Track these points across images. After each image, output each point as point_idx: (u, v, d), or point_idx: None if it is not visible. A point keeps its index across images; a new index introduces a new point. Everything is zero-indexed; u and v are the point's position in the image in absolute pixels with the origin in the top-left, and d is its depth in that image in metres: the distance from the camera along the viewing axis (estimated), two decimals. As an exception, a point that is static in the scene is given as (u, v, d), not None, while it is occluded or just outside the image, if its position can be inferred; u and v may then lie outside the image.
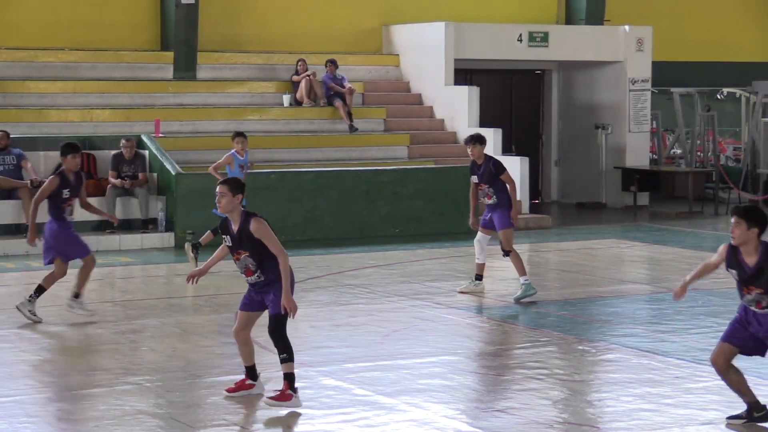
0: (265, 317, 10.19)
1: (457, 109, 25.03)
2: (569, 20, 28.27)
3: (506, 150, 25.07)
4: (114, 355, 12.15)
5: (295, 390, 10.02)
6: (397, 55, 26.48)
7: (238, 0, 25.51)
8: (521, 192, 23.68)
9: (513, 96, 28.16)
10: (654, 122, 27.75)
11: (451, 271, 17.62)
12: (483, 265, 15.59)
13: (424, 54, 25.73)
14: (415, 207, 21.74)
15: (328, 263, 18.25)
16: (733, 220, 9.36)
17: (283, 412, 9.92)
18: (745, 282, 9.39)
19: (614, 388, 10.88)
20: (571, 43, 26.82)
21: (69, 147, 13.66)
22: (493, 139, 24.19)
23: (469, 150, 15.44)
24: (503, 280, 17.37)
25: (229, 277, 16.14)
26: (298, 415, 9.88)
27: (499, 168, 15.19)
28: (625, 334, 13.22)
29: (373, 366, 11.55)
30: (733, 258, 9.42)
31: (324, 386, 10.75)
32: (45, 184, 13.67)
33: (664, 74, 27.84)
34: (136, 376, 11.17)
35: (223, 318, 13.81)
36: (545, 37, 26.35)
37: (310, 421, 9.73)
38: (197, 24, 24.41)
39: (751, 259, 9.34)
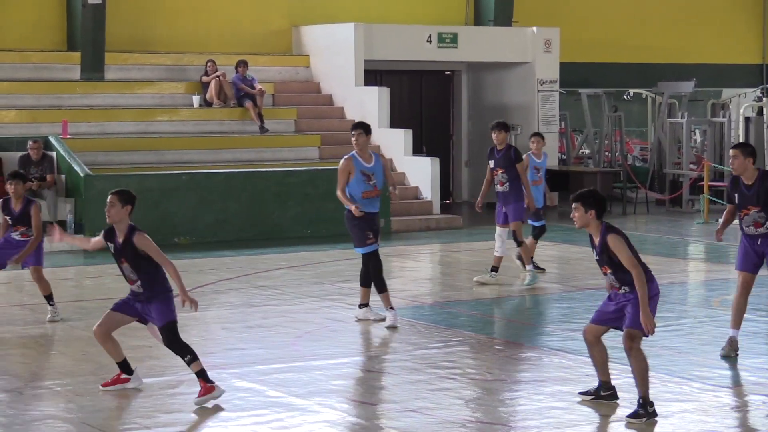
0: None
1: (368, 110, 25.05)
2: (478, 21, 28.44)
3: (417, 150, 25.18)
4: (23, 359, 12.00)
5: (211, 381, 10.13)
6: (308, 55, 26.48)
7: (146, 0, 25.35)
8: (431, 193, 23.87)
9: (423, 97, 28.28)
10: (562, 123, 28.01)
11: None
12: (501, 258, 15.99)
13: (334, 55, 25.75)
14: (327, 208, 21.67)
15: (240, 265, 18.19)
16: (573, 206, 9.67)
17: (209, 404, 9.91)
18: (597, 262, 9.86)
19: (526, 387, 10.97)
20: (480, 44, 26.98)
21: None
22: (404, 140, 24.35)
23: (493, 135, 15.85)
24: (415, 280, 17.45)
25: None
26: (211, 416, 9.84)
27: (519, 156, 15.79)
28: (536, 333, 13.34)
29: (286, 367, 11.53)
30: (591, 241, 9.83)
31: (237, 388, 10.70)
32: None
33: (572, 75, 28.11)
34: (46, 380, 11.05)
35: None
36: (454, 39, 26.48)
37: (223, 423, 9.69)
38: (104, 24, 24.25)
39: (595, 240, 9.72)
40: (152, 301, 10.37)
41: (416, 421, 9.73)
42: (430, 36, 26.23)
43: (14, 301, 15.50)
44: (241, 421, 9.71)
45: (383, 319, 13.45)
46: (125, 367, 10.66)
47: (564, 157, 28.24)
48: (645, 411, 9.71)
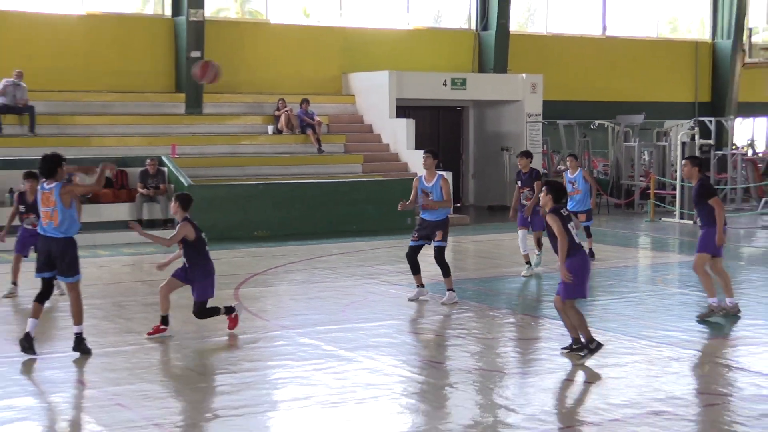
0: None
1: (399, 137, 25.10)
2: (482, 69, 28.42)
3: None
4: (144, 321, 12.08)
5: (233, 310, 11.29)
6: (354, 95, 26.52)
7: (234, 54, 25.49)
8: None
9: (440, 126, 28.27)
10: (545, 145, 27.94)
11: (394, 257, 17.63)
12: (527, 254, 15.56)
13: (373, 95, 25.79)
14: (368, 209, 21.80)
15: (303, 252, 18.26)
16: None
17: (271, 363, 9.97)
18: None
19: (517, 344, 11.01)
20: (483, 86, 26.96)
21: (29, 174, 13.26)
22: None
23: (518, 161, 15.75)
24: (433, 264, 17.47)
25: (230, 265, 16.09)
26: (282, 363, 9.91)
27: (538, 175, 15.50)
28: (525, 304, 13.34)
29: (337, 328, 11.59)
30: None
31: (300, 344, 10.77)
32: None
33: (552, 110, 28.06)
34: (154, 342, 11.15)
35: (225, 294, 13.83)
36: (464, 83, 26.46)
37: (291, 369, 9.75)
38: (203, 72, 24.34)
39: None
40: (194, 279, 10.90)
41: (435, 370, 9.77)
42: (445, 80, 26.23)
43: (137, 278, 15.62)
44: (304, 368, 9.78)
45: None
46: (165, 320, 11.00)
47: (546, 171, 28.15)
48: (591, 347, 9.94)
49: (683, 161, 12.67)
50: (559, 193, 10.03)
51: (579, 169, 17.03)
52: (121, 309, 12.85)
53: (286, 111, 24.49)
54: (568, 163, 17.16)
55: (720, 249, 12.13)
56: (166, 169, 20.92)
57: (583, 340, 10.04)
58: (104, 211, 19.84)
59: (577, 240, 9.99)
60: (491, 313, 12.64)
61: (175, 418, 8.23)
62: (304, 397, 8.79)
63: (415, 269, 13.48)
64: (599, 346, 9.99)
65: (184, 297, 13.72)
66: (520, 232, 15.71)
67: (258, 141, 24.21)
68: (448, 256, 19.35)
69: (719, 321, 11.94)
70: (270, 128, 24.52)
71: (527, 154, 15.69)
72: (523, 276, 15.36)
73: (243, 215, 20.37)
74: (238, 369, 9.75)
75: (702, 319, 11.96)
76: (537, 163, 26.97)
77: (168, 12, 24.84)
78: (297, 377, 9.48)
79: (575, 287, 9.93)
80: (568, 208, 16.35)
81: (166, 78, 24.80)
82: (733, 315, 12.10)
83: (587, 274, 9.98)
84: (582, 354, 9.98)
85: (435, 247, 13.33)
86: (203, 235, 10.97)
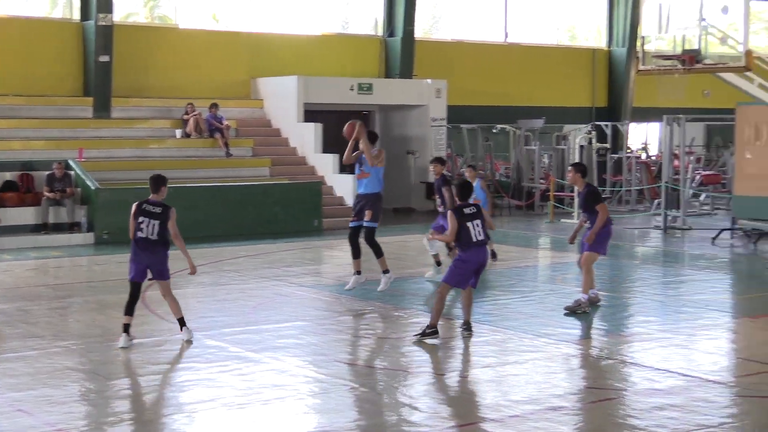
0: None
1: (306, 141, 24.98)
2: (388, 75, 28.45)
3: (342, 170, 25.10)
4: (48, 326, 11.82)
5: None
6: (262, 99, 26.32)
7: (143, 58, 25.12)
8: (352, 201, 23.77)
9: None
10: (449, 149, 28.10)
11: (301, 259, 17.57)
12: (437, 255, 15.14)
13: (281, 99, 25.62)
14: (276, 212, 21.65)
15: (211, 254, 18.03)
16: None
17: (178, 366, 9.79)
18: None
19: (421, 343, 10.96)
20: (389, 91, 26.99)
21: None
22: (332, 162, 24.29)
23: (431, 167, 15.34)
24: (340, 265, 17.41)
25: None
26: (188, 366, 9.74)
27: (446, 181, 14.88)
28: (428, 303, 13.34)
29: (243, 330, 11.46)
30: None
31: (207, 346, 10.61)
32: None
33: (456, 114, 28.21)
34: (65, 341, 10.90)
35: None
36: (370, 87, 26.45)
37: (197, 371, 9.60)
38: (111, 76, 23.96)
39: None
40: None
41: (341, 369, 9.71)
42: (352, 85, 26.19)
43: (41, 283, 15.24)
44: (211, 369, 9.63)
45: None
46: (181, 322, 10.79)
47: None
48: (427, 332, 10.71)
49: (569, 168, 12.90)
50: (463, 190, 10.54)
51: (477, 179, 17.01)
52: (25, 314, 12.51)
53: (195, 115, 24.19)
54: (466, 174, 16.93)
55: (604, 248, 12.44)
56: (73, 172, 20.48)
57: (429, 324, 10.74)
58: (10, 214, 19.33)
59: (475, 238, 10.45)
60: (396, 313, 12.62)
61: (79, 423, 8.02)
62: (210, 399, 8.65)
63: (356, 252, 13.33)
64: (434, 334, 10.65)
65: (90, 301, 13.43)
66: (428, 235, 15.33)
67: (166, 145, 23.86)
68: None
69: (595, 315, 12.12)
70: (178, 132, 24.19)
71: (440, 161, 15.17)
72: (427, 278, 15.20)
73: (151, 218, 20.02)
74: (143, 372, 9.55)
75: (570, 312, 12.27)
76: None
77: (76, 16, 24.34)
78: (203, 379, 9.32)
79: (458, 277, 10.56)
80: None
81: (74, 82, 24.28)
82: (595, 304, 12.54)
83: (471, 270, 10.59)
84: (418, 335, 10.70)
85: (364, 227, 13.24)
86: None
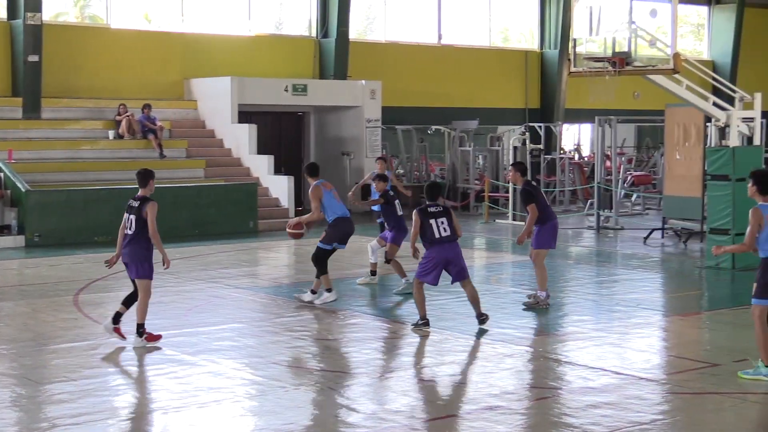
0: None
1: (241, 142, 24.85)
2: (322, 76, 28.42)
3: (277, 171, 25.03)
4: (-23, 330, 11.60)
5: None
6: (196, 101, 26.12)
7: (73, 58, 24.79)
8: (288, 202, 23.77)
9: (282, 131, 28.13)
10: (383, 150, 28.16)
11: (237, 261, 17.46)
12: (375, 264, 14.89)
13: (215, 100, 25.46)
14: (211, 213, 21.51)
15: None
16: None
17: (112, 369, 9.67)
18: None
19: (357, 344, 10.99)
20: (324, 92, 26.97)
21: None
22: (268, 163, 24.22)
23: (374, 184, 14.89)
24: (276, 267, 17.36)
25: (70, 271, 15.61)
26: (122, 370, 9.62)
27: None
28: (365, 305, 13.37)
29: (179, 333, 11.36)
30: None
31: (142, 349, 10.49)
32: None
33: (391, 115, 28.29)
34: (-5, 346, 10.71)
35: (64, 300, 13.38)
36: (305, 89, 26.41)
37: (131, 376, 9.49)
38: (41, 76, 23.60)
39: None
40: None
41: (277, 371, 9.67)
42: (287, 86, 26.11)
43: (-29, 286, 14.96)
44: (146, 374, 9.52)
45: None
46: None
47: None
48: (419, 323, 11.27)
49: (509, 167, 13.18)
50: (431, 190, 11.40)
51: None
52: (-46, 318, 12.27)
53: (127, 116, 23.92)
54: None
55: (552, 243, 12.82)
56: (2, 174, 20.12)
57: (420, 316, 11.36)
58: (-63, 217, 18.94)
59: (438, 235, 11.10)
60: (332, 315, 12.60)
61: (10, 430, 7.87)
62: (146, 402, 8.55)
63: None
64: (426, 324, 11.29)
65: (21, 305, 13.20)
66: (374, 243, 14.91)
67: (99, 146, 23.56)
68: (290, 257, 19.28)
69: (544, 316, 12.25)
70: (111, 133, 23.90)
71: (381, 177, 15.03)
72: (359, 283, 14.87)
73: (83, 221, 19.77)
74: (77, 376, 9.42)
75: (528, 308, 12.59)
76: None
77: (3, 15, 23.91)
78: (138, 383, 9.22)
79: (423, 271, 11.21)
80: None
81: (2, 82, 23.86)
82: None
83: (435, 264, 11.17)
84: (413, 325, 11.35)
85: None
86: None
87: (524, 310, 12.55)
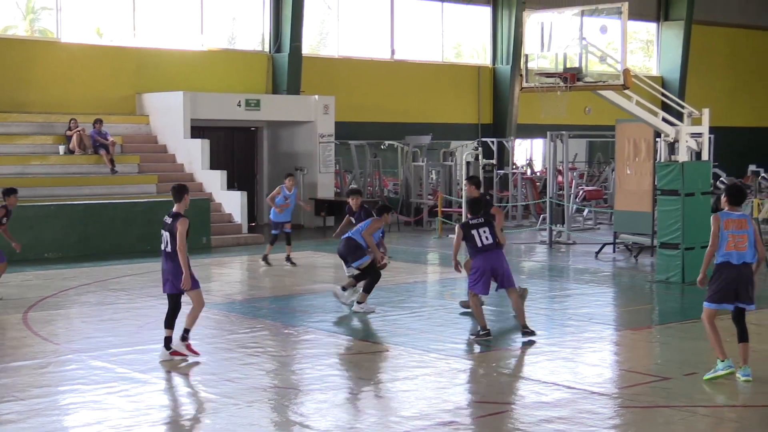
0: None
1: (194, 157, 24.72)
2: (275, 91, 28.39)
3: (230, 187, 24.93)
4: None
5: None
6: (148, 115, 25.95)
7: (23, 73, 24.55)
8: (241, 218, 23.66)
9: (235, 146, 28.04)
10: (337, 165, 28.17)
11: (190, 276, 17.29)
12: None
13: (167, 115, 25.31)
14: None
15: (97, 273, 17.67)
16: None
17: (62, 388, 9.55)
18: None
19: (311, 360, 10.95)
20: (277, 107, 26.92)
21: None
22: (220, 179, 24.11)
23: (350, 200, 14.80)
24: (229, 282, 17.27)
25: (19, 288, 15.41)
26: (73, 389, 9.51)
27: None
28: (318, 320, 13.32)
29: (131, 350, 11.26)
30: None
31: (93, 367, 10.39)
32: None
33: (344, 131, 28.31)
34: (-58, 365, 10.52)
35: (13, 318, 13.19)
36: (258, 103, 26.34)
37: (82, 394, 9.38)
38: (-11, 90, 23.33)
39: None
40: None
41: (230, 388, 9.61)
42: (239, 101, 26.03)
43: None
44: (97, 392, 9.43)
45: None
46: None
47: (339, 190, 28.40)
48: (481, 333, 11.69)
49: (465, 181, 13.49)
50: (473, 206, 11.82)
51: (294, 188, 18.72)
52: None
53: (78, 131, 23.70)
54: (286, 182, 18.65)
55: None
56: (-50, 190, 19.80)
57: (481, 327, 11.68)
58: None
59: (481, 244, 11.54)
60: (286, 331, 12.56)
61: (-42, 450, 7.76)
62: (96, 422, 8.46)
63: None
64: (487, 335, 11.58)
65: (-31, 323, 12.99)
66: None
67: (49, 161, 23.30)
68: (243, 273, 19.20)
69: (487, 342, 12.29)
70: (61, 148, 23.65)
71: (357, 192, 15.08)
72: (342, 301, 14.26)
73: (33, 237, 19.52)
74: (25, 396, 9.29)
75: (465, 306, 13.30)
76: (329, 182, 27.22)
77: (-49, 28, 23.65)
78: (89, 402, 9.12)
79: (474, 282, 11.56)
80: (279, 219, 18.16)
81: (-51, 96, 23.58)
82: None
83: (483, 274, 11.54)
84: (474, 336, 11.64)
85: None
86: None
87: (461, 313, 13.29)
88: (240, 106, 25.93)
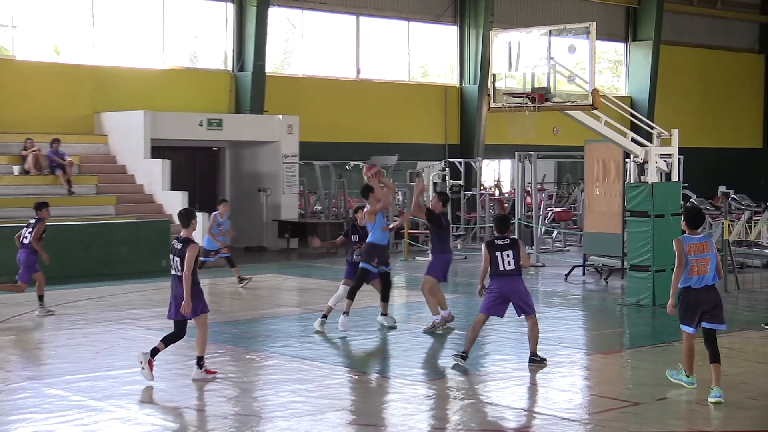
0: None
1: (154, 177, 24.52)
2: (238, 110, 28.28)
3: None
4: None
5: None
6: (107, 135, 25.73)
7: (-23, 91, 24.28)
8: (202, 240, 23.43)
9: (196, 167, 27.88)
10: (301, 186, 28.08)
11: (148, 301, 17.10)
12: (330, 308, 14.08)
13: (127, 134, 25.11)
14: (122, 252, 21.12)
15: (52, 298, 17.34)
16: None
17: (12, 417, 9.35)
18: None
19: (274, 387, 10.82)
20: (240, 127, 26.81)
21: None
22: (182, 200, 23.90)
23: (358, 216, 14.59)
24: (190, 306, 17.05)
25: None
26: (25, 417, 9.31)
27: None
28: (281, 345, 13.19)
29: (87, 377, 11.06)
30: None
31: (46, 395, 10.19)
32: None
33: (308, 151, 28.23)
34: None
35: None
36: (220, 123, 26.21)
37: (34, 423, 9.19)
38: (-57, 110, 23.03)
39: None
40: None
41: (190, 416, 9.48)
42: (201, 121, 25.89)
43: None
44: (50, 421, 9.24)
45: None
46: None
47: (303, 212, 28.31)
48: (536, 359, 11.61)
49: (433, 194, 13.69)
50: (500, 224, 11.71)
51: (227, 214, 18.85)
52: None
53: (34, 151, 23.44)
54: (220, 208, 18.77)
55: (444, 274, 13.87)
56: None
57: (464, 349, 11.59)
58: None
59: (502, 268, 11.44)
60: (248, 356, 12.42)
61: None
62: (49, 452, 8.28)
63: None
64: (464, 358, 11.47)
65: None
66: (343, 287, 14.00)
67: (3, 182, 23.02)
68: (204, 296, 18.93)
69: (462, 366, 12.23)
70: (16, 168, 23.38)
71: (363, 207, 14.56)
72: (316, 330, 13.90)
73: (-14, 260, 19.23)
74: (-25, 425, 9.09)
75: (429, 332, 13.68)
76: (293, 203, 27.11)
77: None
78: (41, 431, 8.92)
79: (486, 304, 11.48)
80: (213, 246, 18.39)
81: None
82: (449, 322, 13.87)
83: (496, 297, 11.46)
84: (533, 362, 11.50)
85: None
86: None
87: (425, 332, 13.64)
88: (202, 125, 25.79)
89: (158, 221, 22.43)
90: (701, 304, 9.87)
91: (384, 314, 14.16)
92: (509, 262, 11.49)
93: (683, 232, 10.29)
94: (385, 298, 14.10)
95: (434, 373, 11.42)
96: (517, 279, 11.58)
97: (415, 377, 11.06)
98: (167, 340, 11.05)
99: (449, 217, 15.52)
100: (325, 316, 13.91)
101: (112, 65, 26.59)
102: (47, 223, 16.14)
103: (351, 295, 13.76)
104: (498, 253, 11.50)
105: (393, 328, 13.99)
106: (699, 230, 10.19)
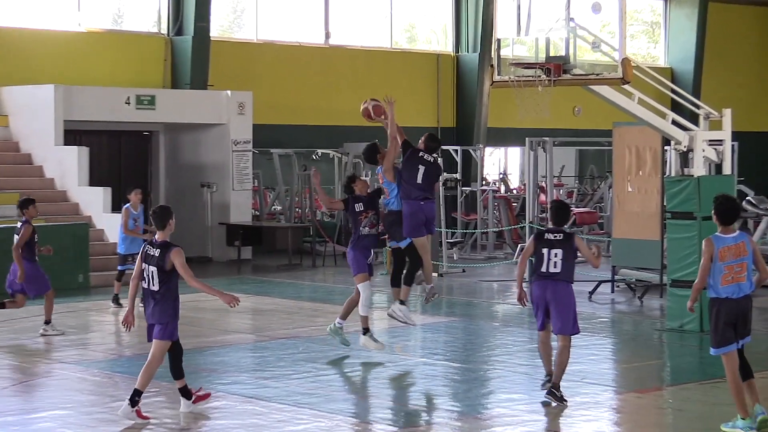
0: None
1: (67, 169, 24.47)
2: (175, 85, 28.25)
3: (116, 208, 24.64)
4: None
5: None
6: (6, 115, 25.65)
7: None
8: (118, 245, 23.39)
9: (122, 156, 27.84)
10: (256, 181, 28.05)
11: (62, 326, 16.96)
12: (366, 318, 14.50)
13: (33, 115, 25.03)
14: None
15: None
16: None
17: None
18: None
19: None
20: (177, 106, 26.77)
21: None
22: (103, 198, 23.85)
23: (355, 186, 15.51)
24: (112, 333, 17.04)
25: None
26: None
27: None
28: (231, 382, 13.13)
29: (-20, 424, 11.02)
30: None
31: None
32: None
33: (265, 136, 28.20)
34: None
35: None
36: (152, 101, 26.18)
37: None
38: None
39: None
40: None
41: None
42: (128, 98, 25.84)
43: None
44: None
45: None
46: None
47: (257, 213, 28.27)
48: (557, 394, 11.57)
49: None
50: (558, 214, 11.67)
51: (141, 205, 18.95)
52: None
53: None
54: (131, 197, 18.97)
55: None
56: None
57: (551, 377, 11.77)
58: None
59: (545, 269, 11.40)
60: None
61: None
62: None
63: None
64: (562, 399, 11.56)
65: None
66: (363, 284, 14.09)
67: None
68: (135, 321, 18.88)
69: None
70: None
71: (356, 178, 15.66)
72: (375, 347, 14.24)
73: None
74: None
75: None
76: (246, 202, 27.10)
77: None
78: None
79: (539, 319, 11.63)
80: (132, 250, 18.12)
81: None
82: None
83: (537, 307, 11.61)
84: (552, 396, 11.59)
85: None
86: None
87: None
88: (129, 103, 25.73)
89: (74, 225, 22.36)
90: (740, 316, 10.19)
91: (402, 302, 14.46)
92: (555, 263, 11.35)
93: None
94: (399, 281, 14.44)
95: (425, 418, 11.42)
96: (559, 285, 11.44)
97: (397, 422, 11.07)
98: (177, 371, 11.38)
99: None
100: (367, 330, 14.16)
101: (14, 26, 26.52)
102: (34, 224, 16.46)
103: (404, 281, 14.28)
104: (546, 250, 11.38)
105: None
106: (735, 226, 10.33)
